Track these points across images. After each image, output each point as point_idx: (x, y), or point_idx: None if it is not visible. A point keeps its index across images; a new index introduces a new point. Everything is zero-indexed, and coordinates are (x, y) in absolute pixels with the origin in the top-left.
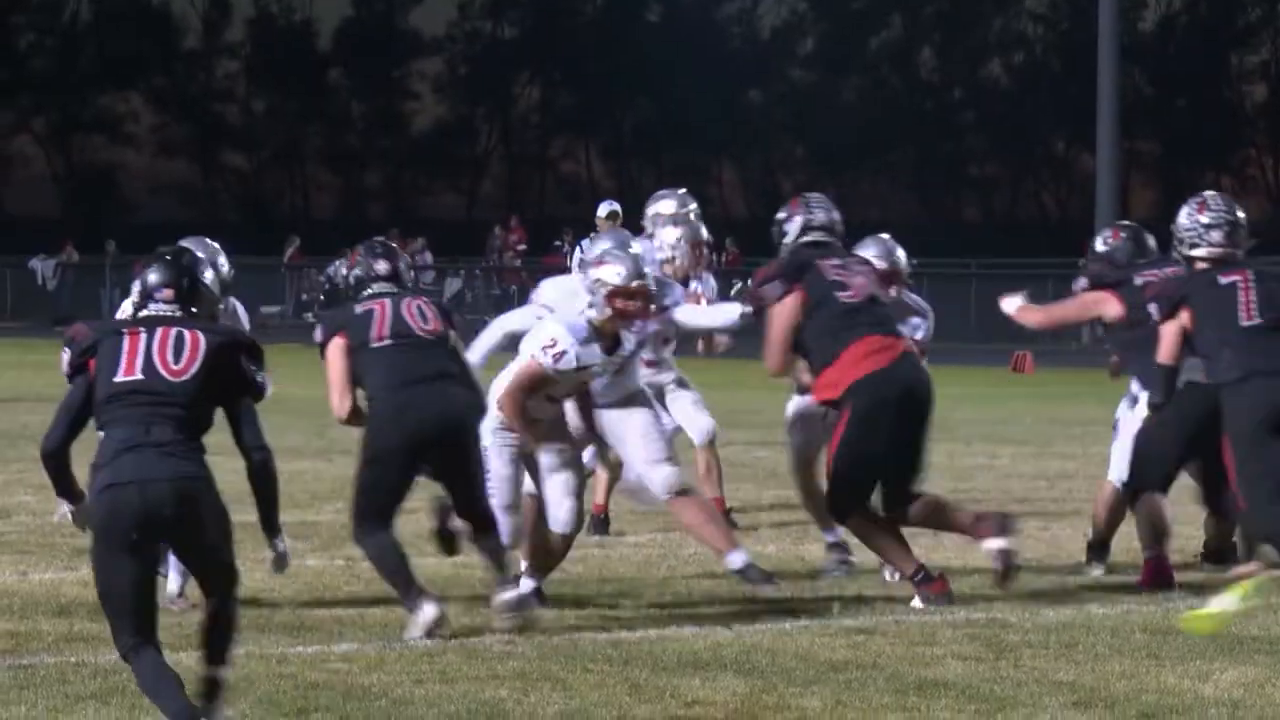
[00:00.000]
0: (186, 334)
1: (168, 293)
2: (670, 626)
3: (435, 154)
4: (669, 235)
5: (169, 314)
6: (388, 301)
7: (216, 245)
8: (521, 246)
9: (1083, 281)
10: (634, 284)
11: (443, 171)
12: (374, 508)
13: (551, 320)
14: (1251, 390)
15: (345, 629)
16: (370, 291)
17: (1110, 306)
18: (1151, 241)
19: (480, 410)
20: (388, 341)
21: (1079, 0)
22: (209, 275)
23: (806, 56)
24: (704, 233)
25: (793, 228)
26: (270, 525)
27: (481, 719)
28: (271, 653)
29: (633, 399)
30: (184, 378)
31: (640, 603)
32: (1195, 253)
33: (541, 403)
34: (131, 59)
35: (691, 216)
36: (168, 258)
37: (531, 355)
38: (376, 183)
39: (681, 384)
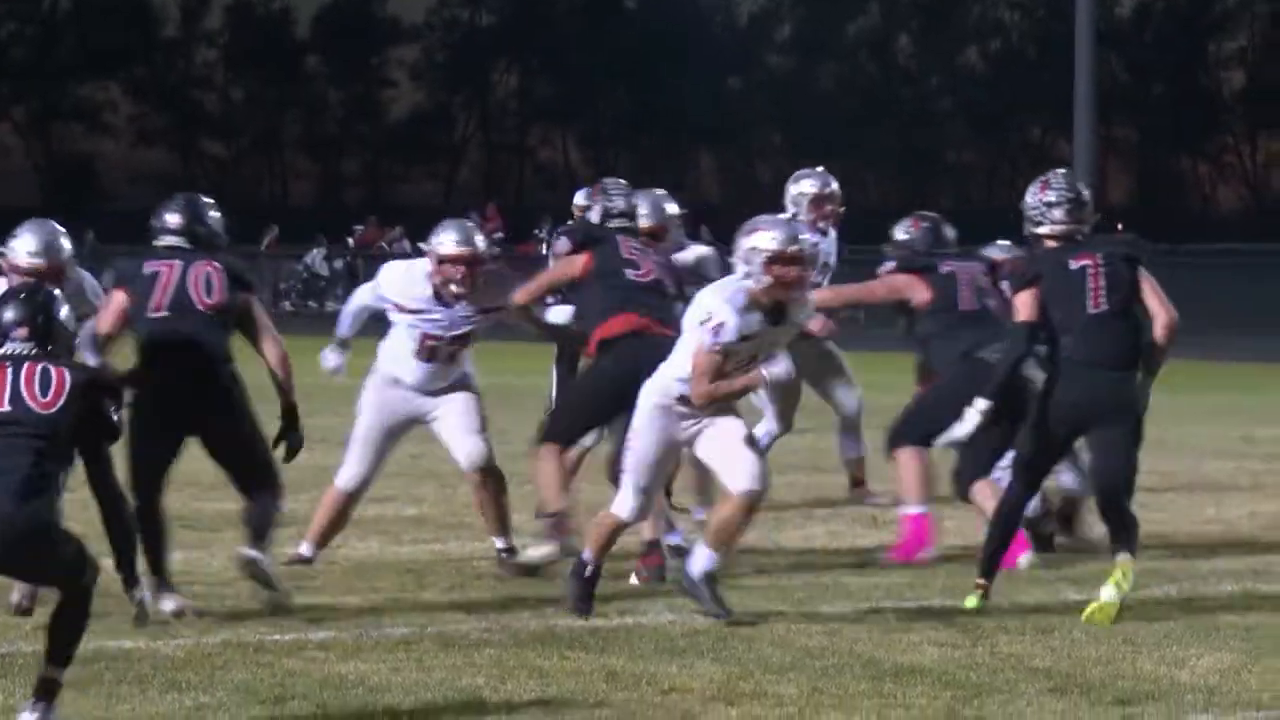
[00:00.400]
0: (52, 369)
1: (22, 331)
2: (647, 614)
3: (413, 141)
4: (795, 188)
5: (26, 352)
6: (177, 264)
7: (57, 226)
8: (499, 234)
9: (889, 264)
10: (791, 249)
11: (420, 159)
12: (143, 477)
13: (707, 292)
14: (1072, 380)
15: (322, 617)
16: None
17: (918, 291)
18: (951, 233)
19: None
20: (164, 314)
21: None
22: (64, 311)
23: (784, 43)
24: (833, 185)
25: (593, 216)
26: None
27: (458, 707)
28: (249, 640)
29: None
30: (51, 410)
31: (617, 590)
32: (1040, 230)
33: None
34: (111, 48)
35: (829, 188)
36: (22, 295)
37: (699, 341)
38: (354, 170)
39: None
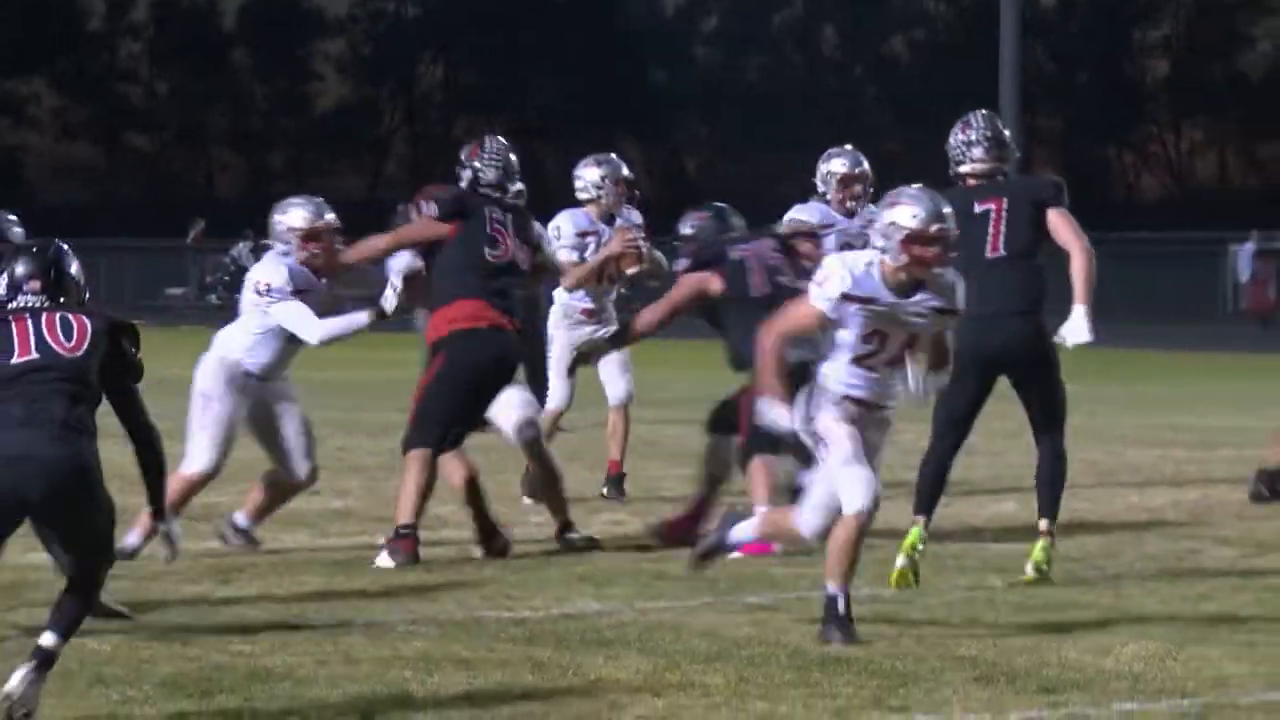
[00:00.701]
0: (70, 317)
1: (35, 284)
2: (574, 605)
3: (339, 134)
4: (592, 175)
5: (40, 304)
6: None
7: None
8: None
9: (683, 262)
10: (933, 228)
11: (346, 151)
12: None
13: (831, 257)
14: (970, 328)
15: (248, 611)
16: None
17: (713, 284)
18: (738, 220)
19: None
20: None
21: None
22: (74, 266)
23: (710, 34)
24: (625, 170)
25: (465, 177)
26: (157, 506)
27: (385, 700)
28: (175, 635)
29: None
30: (78, 354)
31: (544, 581)
32: (962, 169)
33: (849, 365)
34: (35, 42)
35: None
36: (34, 249)
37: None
38: (280, 163)
39: None
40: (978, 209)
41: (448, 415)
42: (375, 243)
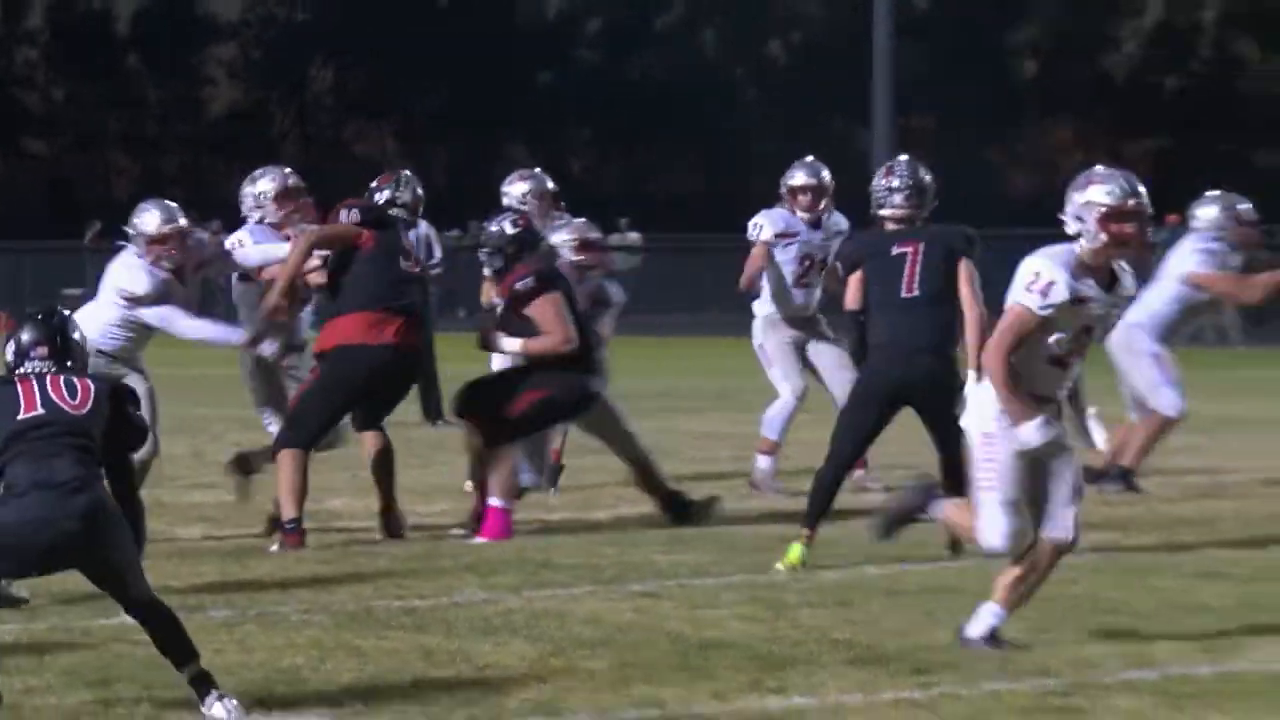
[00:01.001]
0: (75, 379)
1: (42, 350)
2: (462, 594)
3: (231, 138)
4: (518, 189)
5: (47, 369)
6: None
7: None
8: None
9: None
10: (1130, 203)
11: (239, 154)
12: None
13: (1032, 257)
14: (881, 358)
15: None
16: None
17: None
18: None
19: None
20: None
21: None
22: (78, 333)
23: (593, 37)
24: (549, 184)
25: (381, 198)
26: None
27: (279, 687)
28: (75, 625)
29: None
30: (83, 411)
31: (432, 571)
32: (883, 212)
33: (1043, 366)
34: None
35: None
36: (39, 316)
37: (1016, 301)
38: (174, 167)
39: None
40: (895, 251)
41: (321, 421)
42: (293, 254)
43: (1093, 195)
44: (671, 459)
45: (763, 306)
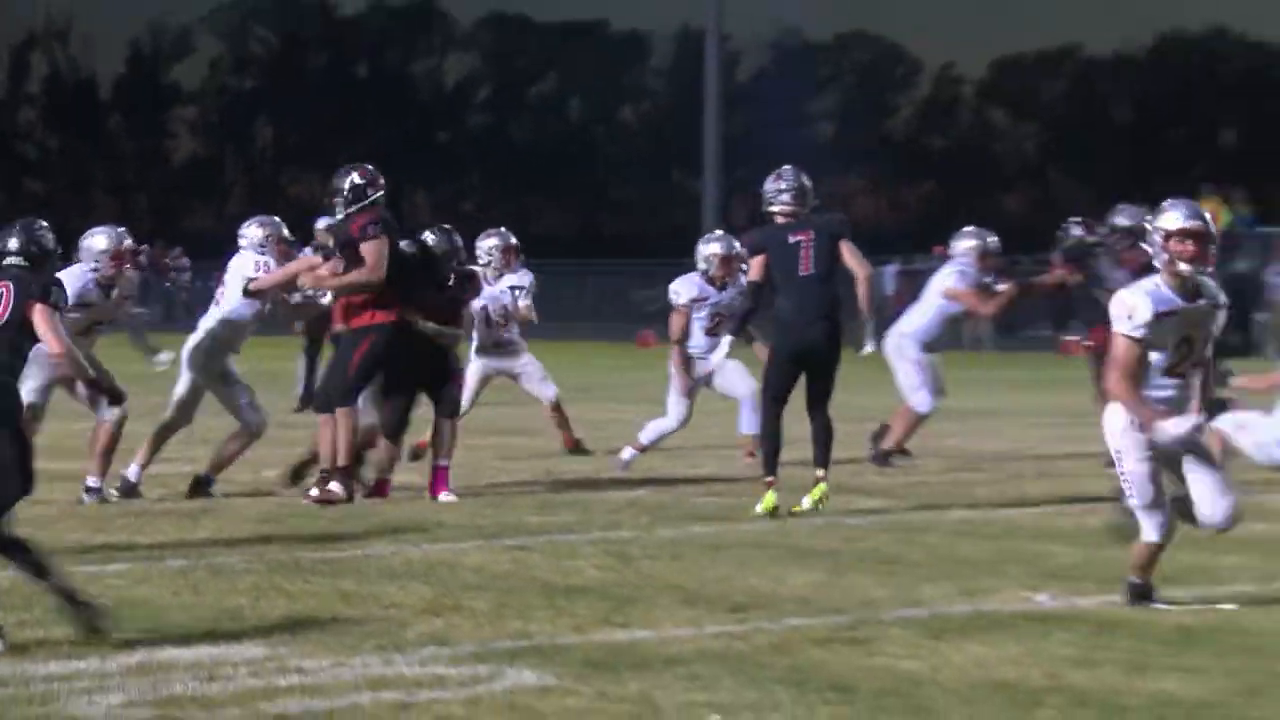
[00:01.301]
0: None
1: None
2: (373, 545)
3: (191, 183)
4: (486, 244)
5: None
6: None
7: None
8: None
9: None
10: (1189, 224)
11: (198, 195)
12: None
13: (1119, 291)
14: (787, 325)
15: (115, 553)
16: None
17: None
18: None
19: None
20: None
21: (692, 56)
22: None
23: (483, 103)
24: (513, 239)
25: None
26: None
27: (224, 622)
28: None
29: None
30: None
31: (348, 528)
32: (772, 209)
33: (1161, 379)
34: None
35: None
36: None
37: (1116, 331)
38: (144, 205)
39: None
40: (791, 240)
41: (354, 382)
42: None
43: (1161, 221)
44: (544, 436)
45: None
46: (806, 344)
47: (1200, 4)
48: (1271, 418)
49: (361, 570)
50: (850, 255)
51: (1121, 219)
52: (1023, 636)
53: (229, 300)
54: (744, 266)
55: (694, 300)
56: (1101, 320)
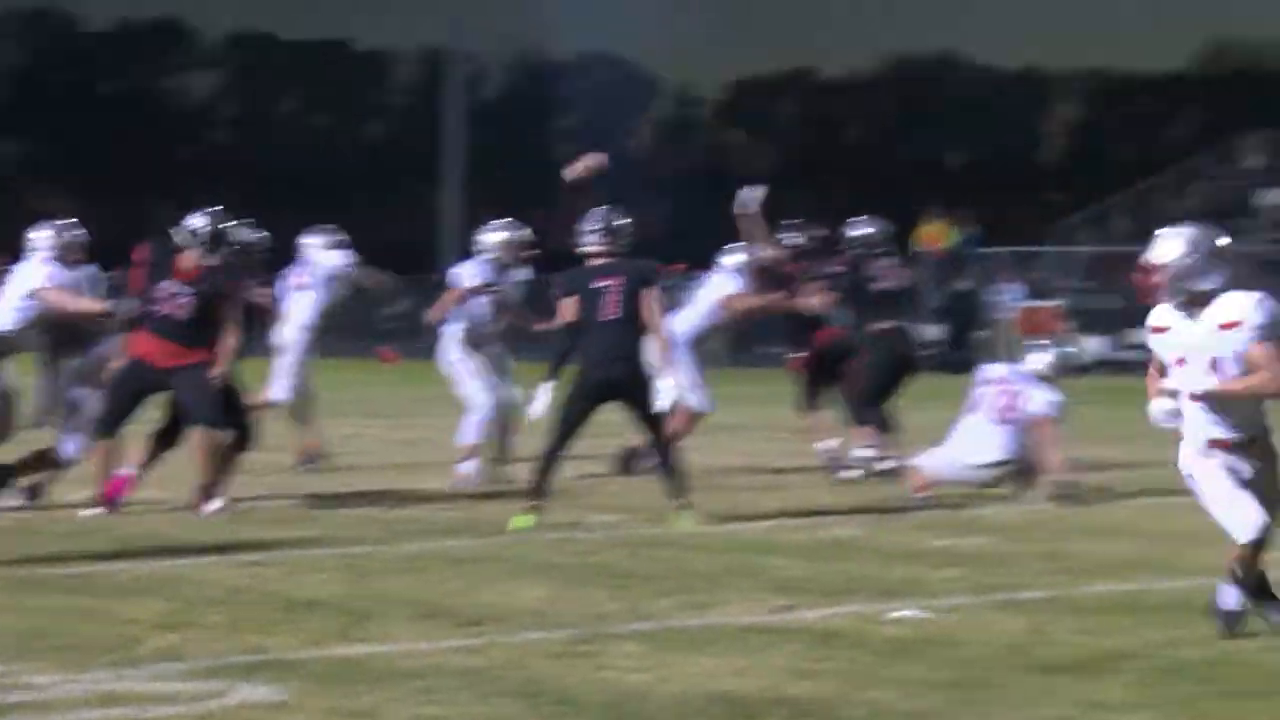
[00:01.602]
0: None
1: None
2: (111, 562)
3: None
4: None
5: None
6: None
7: None
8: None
9: None
10: (1144, 260)
11: None
12: None
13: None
14: (589, 365)
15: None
16: None
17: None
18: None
19: None
20: None
21: (436, 76)
22: None
23: (228, 121)
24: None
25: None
26: None
27: None
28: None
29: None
30: None
31: (89, 545)
32: (584, 249)
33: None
34: None
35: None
36: None
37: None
38: None
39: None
40: (596, 285)
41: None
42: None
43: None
44: (281, 450)
45: (456, 331)
46: (609, 381)
47: (930, 30)
48: (950, 442)
49: (96, 586)
50: (648, 309)
51: (857, 230)
52: (749, 649)
53: None
54: (524, 253)
55: (483, 285)
56: (810, 341)
